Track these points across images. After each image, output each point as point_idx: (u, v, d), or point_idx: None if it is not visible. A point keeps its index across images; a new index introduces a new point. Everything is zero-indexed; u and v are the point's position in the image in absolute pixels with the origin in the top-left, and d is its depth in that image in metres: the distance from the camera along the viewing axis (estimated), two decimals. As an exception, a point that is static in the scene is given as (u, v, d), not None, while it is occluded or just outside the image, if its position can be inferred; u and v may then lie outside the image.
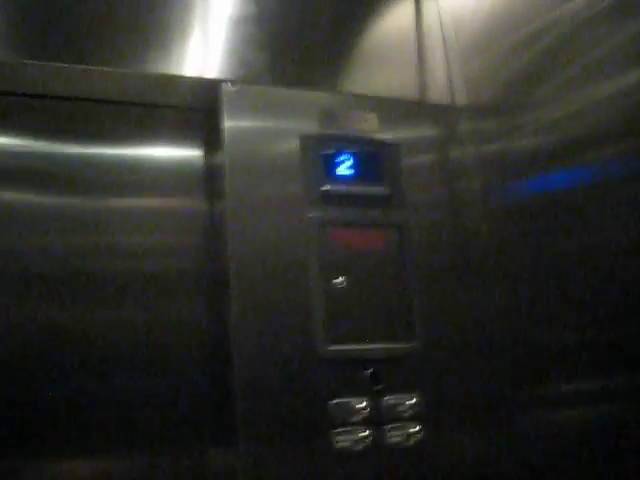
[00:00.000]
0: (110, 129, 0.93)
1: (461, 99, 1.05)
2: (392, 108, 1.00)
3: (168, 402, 0.85)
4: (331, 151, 0.93)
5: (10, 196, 0.86)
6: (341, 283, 0.87)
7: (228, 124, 0.90)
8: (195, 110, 0.97)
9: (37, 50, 0.89)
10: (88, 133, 0.92)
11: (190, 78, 0.96)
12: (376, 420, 0.83)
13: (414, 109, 1.02)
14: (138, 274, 0.88)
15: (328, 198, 0.90)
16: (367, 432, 0.82)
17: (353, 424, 0.82)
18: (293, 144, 0.91)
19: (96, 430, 0.81)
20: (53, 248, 0.85)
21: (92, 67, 0.90)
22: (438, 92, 1.07)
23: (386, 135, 0.97)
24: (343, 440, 0.81)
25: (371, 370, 0.85)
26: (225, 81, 0.92)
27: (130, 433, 0.82)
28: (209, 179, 0.95)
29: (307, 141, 0.92)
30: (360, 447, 0.81)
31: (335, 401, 0.82)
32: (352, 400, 0.83)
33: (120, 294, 0.86)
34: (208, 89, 0.94)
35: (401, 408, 0.85)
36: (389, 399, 0.85)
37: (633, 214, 0.72)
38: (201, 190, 0.95)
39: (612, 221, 0.75)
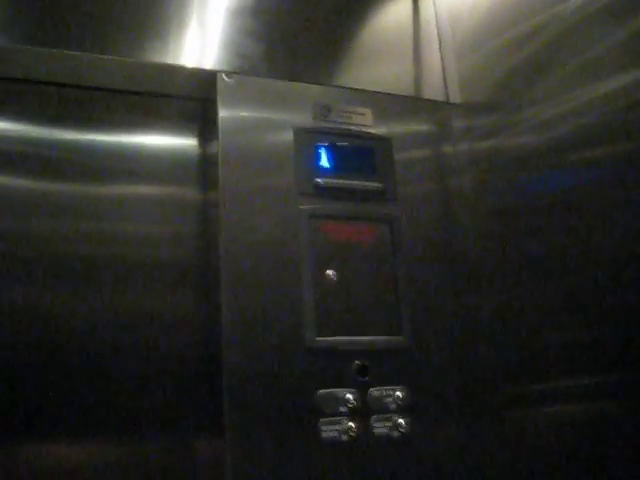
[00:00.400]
0: (106, 116, 0.94)
1: (455, 96, 1.05)
2: (386, 103, 1.00)
3: (155, 390, 0.85)
4: (324, 144, 0.93)
5: (4, 181, 0.87)
6: (332, 275, 0.88)
7: (223, 114, 0.90)
8: (191, 100, 0.98)
9: (35, 37, 0.89)
10: (84, 120, 0.93)
11: (187, 68, 0.96)
12: (363, 411, 0.84)
13: (408, 104, 1.03)
14: (130, 261, 0.88)
15: (320, 191, 0.91)
16: (353, 423, 0.82)
17: (340, 415, 0.83)
18: (287, 136, 0.92)
19: (82, 417, 0.82)
20: (46, 233, 0.86)
21: (90, 54, 0.90)
22: (433, 88, 1.07)
23: (379, 129, 0.98)
24: (330, 430, 0.82)
25: (358, 362, 0.86)
26: (221, 72, 0.92)
27: (115, 421, 0.83)
28: (203, 168, 0.96)
29: (301, 133, 0.92)
30: (346, 437, 0.82)
31: (322, 392, 0.83)
32: (339, 391, 0.83)
33: (111, 280, 0.87)
34: (204, 79, 0.94)
35: (387, 400, 0.85)
36: (375, 391, 0.85)
37: (626, 214, 0.72)
38: (195, 179, 0.95)
39: (605, 220, 0.75)
